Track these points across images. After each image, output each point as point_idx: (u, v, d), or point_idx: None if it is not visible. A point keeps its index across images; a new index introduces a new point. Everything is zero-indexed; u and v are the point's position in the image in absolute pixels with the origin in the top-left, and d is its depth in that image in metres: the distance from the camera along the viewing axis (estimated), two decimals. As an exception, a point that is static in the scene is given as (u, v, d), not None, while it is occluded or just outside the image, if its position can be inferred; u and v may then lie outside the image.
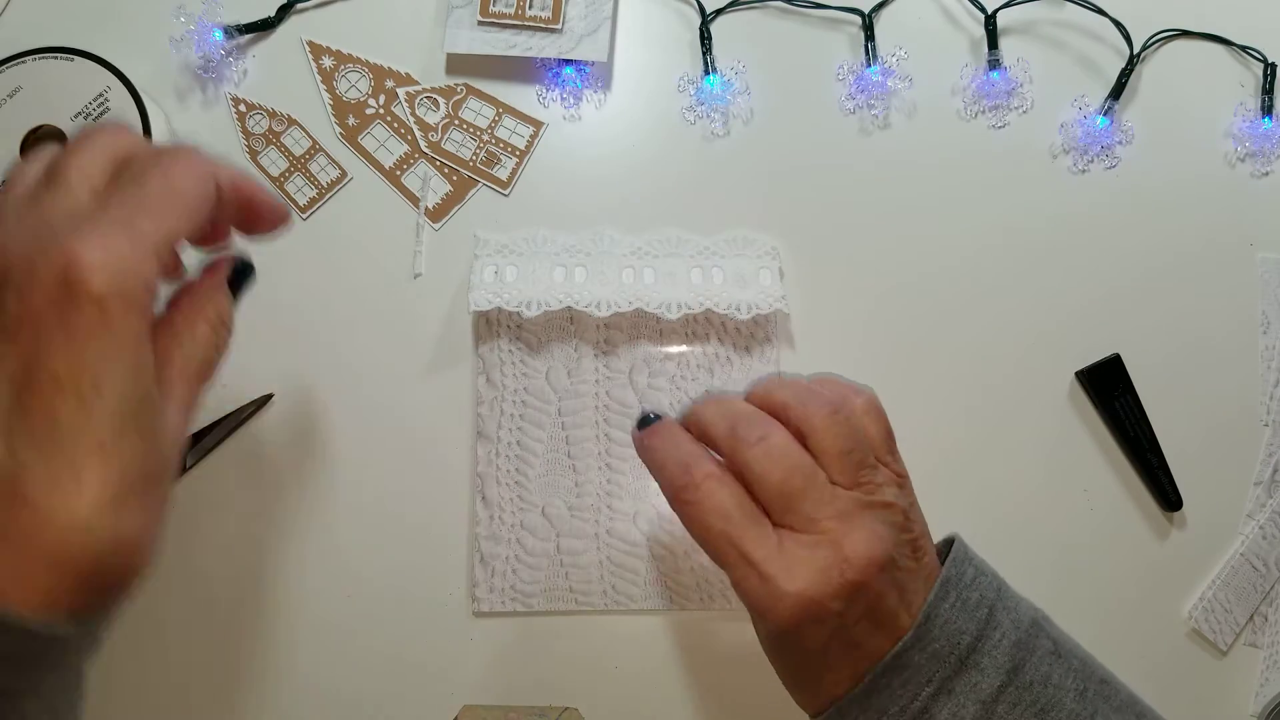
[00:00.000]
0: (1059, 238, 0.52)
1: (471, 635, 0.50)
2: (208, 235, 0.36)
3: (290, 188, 0.51)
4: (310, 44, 0.52)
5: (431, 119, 0.52)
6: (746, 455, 0.35)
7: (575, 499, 0.50)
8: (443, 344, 0.51)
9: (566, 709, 0.48)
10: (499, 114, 0.52)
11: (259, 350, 0.50)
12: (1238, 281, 0.52)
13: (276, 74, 0.52)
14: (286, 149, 0.51)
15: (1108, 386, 0.50)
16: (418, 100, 0.52)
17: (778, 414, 0.37)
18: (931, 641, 0.35)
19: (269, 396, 0.50)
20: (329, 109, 0.52)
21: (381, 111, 0.52)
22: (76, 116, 0.48)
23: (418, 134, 0.51)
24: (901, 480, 0.38)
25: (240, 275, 0.36)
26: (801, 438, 0.36)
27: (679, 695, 0.49)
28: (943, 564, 0.37)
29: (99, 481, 0.28)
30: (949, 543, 0.39)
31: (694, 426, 0.38)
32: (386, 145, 0.52)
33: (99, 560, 0.28)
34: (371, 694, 0.50)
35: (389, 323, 0.51)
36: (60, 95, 0.48)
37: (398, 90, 0.52)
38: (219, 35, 0.51)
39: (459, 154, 0.51)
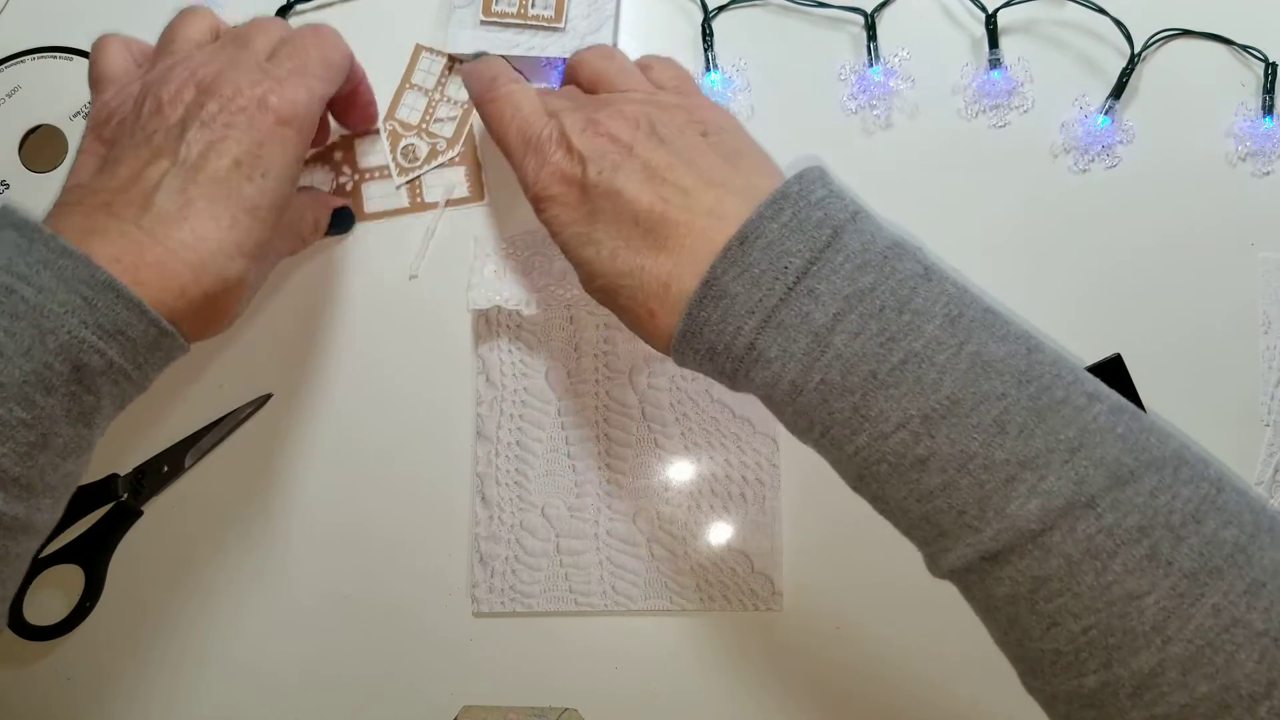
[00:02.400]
0: (1059, 237, 0.52)
1: (471, 635, 0.50)
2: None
3: None
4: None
5: (411, 118, 0.52)
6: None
7: (575, 499, 0.50)
8: (442, 344, 0.51)
9: (566, 709, 0.48)
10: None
11: (258, 350, 0.50)
12: (1238, 281, 0.52)
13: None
14: None
15: (1108, 386, 0.50)
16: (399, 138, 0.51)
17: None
18: (750, 266, 0.33)
19: (268, 396, 0.50)
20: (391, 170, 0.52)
21: (358, 177, 0.51)
22: (75, 116, 0.48)
23: (398, 165, 0.51)
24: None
25: (343, 218, 0.50)
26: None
27: (679, 695, 0.49)
28: None
29: (244, 230, 0.38)
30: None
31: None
32: (383, 195, 0.52)
33: (218, 284, 0.37)
34: (371, 694, 0.50)
35: (388, 323, 0.51)
36: (59, 94, 0.48)
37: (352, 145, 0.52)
38: (218, 35, 0.51)
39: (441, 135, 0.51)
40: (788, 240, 0.33)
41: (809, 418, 0.34)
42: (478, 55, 0.46)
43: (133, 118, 0.39)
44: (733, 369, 0.35)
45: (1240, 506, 0.32)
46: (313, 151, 0.51)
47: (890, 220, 0.51)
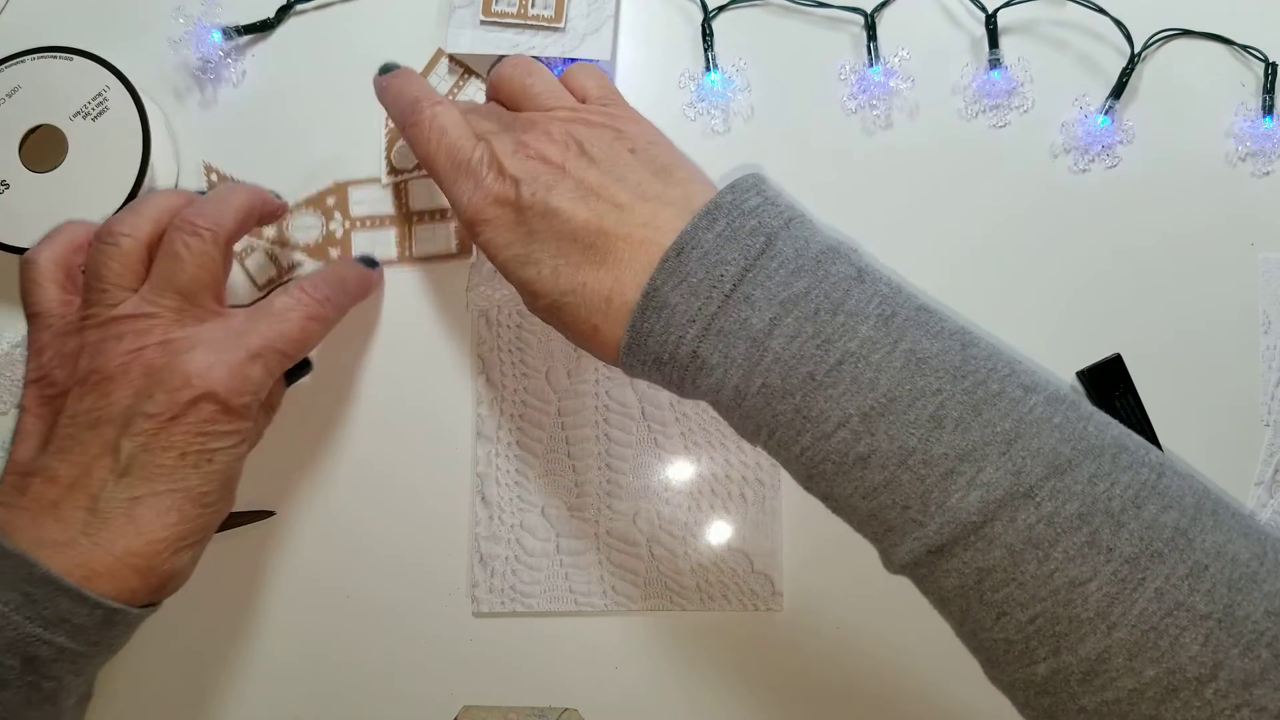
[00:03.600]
0: (1059, 237, 0.52)
1: (471, 636, 0.50)
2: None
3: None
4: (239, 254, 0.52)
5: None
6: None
7: (575, 499, 0.50)
8: (442, 344, 0.51)
9: (566, 709, 0.48)
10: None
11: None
12: (1238, 281, 0.52)
13: (276, 76, 0.52)
14: None
15: (1108, 386, 0.50)
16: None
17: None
18: (688, 275, 0.33)
19: (270, 513, 0.50)
20: (311, 260, 0.51)
21: (348, 226, 0.51)
22: (75, 116, 0.48)
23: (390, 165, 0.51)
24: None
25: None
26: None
27: (679, 695, 0.49)
28: None
29: (191, 521, 0.39)
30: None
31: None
32: (377, 241, 0.51)
33: (167, 579, 0.39)
34: (372, 694, 0.50)
35: (388, 322, 0.51)
36: (59, 95, 0.48)
37: (348, 190, 0.51)
38: (217, 36, 0.51)
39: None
40: (723, 249, 0.34)
41: (755, 421, 0.34)
42: (388, 68, 0.45)
43: (76, 389, 0.39)
44: (679, 377, 0.35)
45: (1182, 490, 0.32)
46: (305, 196, 0.51)
47: (882, 213, 0.51)
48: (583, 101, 0.42)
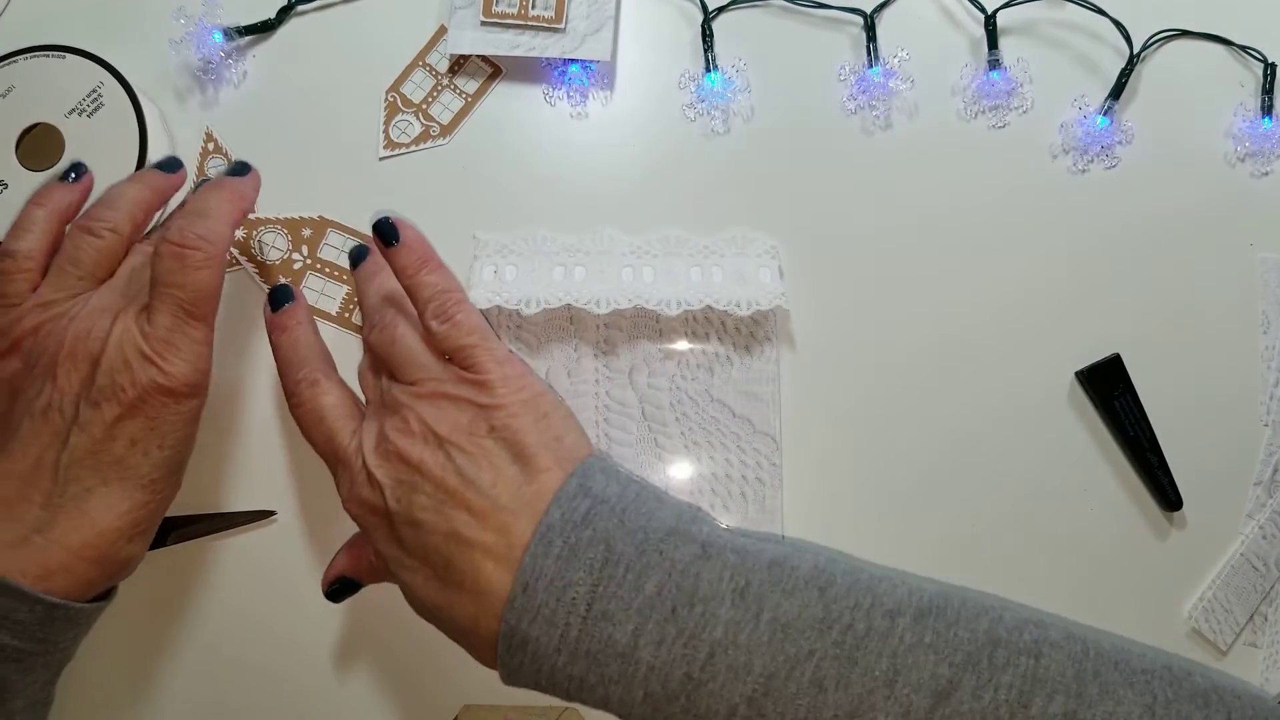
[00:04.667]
0: (1059, 238, 0.52)
1: (471, 635, 0.49)
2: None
3: None
4: None
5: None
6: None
7: (575, 499, 0.50)
8: (442, 344, 0.51)
9: (566, 709, 0.48)
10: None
11: (257, 349, 0.50)
12: (1238, 281, 0.52)
13: (277, 77, 0.52)
14: None
15: (1108, 386, 0.50)
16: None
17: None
18: (540, 609, 0.33)
19: (271, 513, 0.50)
20: (256, 278, 0.50)
21: (309, 263, 0.50)
22: (71, 113, 0.48)
23: (386, 139, 0.51)
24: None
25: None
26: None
27: (679, 695, 0.49)
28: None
29: (142, 508, 0.39)
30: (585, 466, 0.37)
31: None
32: (325, 292, 0.51)
33: (121, 567, 0.39)
34: (372, 694, 0.49)
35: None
36: (54, 93, 0.48)
37: (325, 229, 0.51)
38: (218, 37, 0.51)
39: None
40: (566, 571, 0.33)
41: None
42: (279, 298, 0.43)
43: (25, 375, 0.39)
44: (566, 695, 0.35)
45: (1062, 664, 0.33)
46: (285, 216, 0.50)
47: (881, 213, 0.51)
48: (446, 354, 0.40)
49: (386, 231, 0.41)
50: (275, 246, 0.50)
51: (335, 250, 0.51)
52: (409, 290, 0.41)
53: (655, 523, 0.35)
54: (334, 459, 0.40)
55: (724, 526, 0.37)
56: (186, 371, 0.39)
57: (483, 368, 0.38)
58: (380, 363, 0.41)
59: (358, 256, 0.45)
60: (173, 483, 0.41)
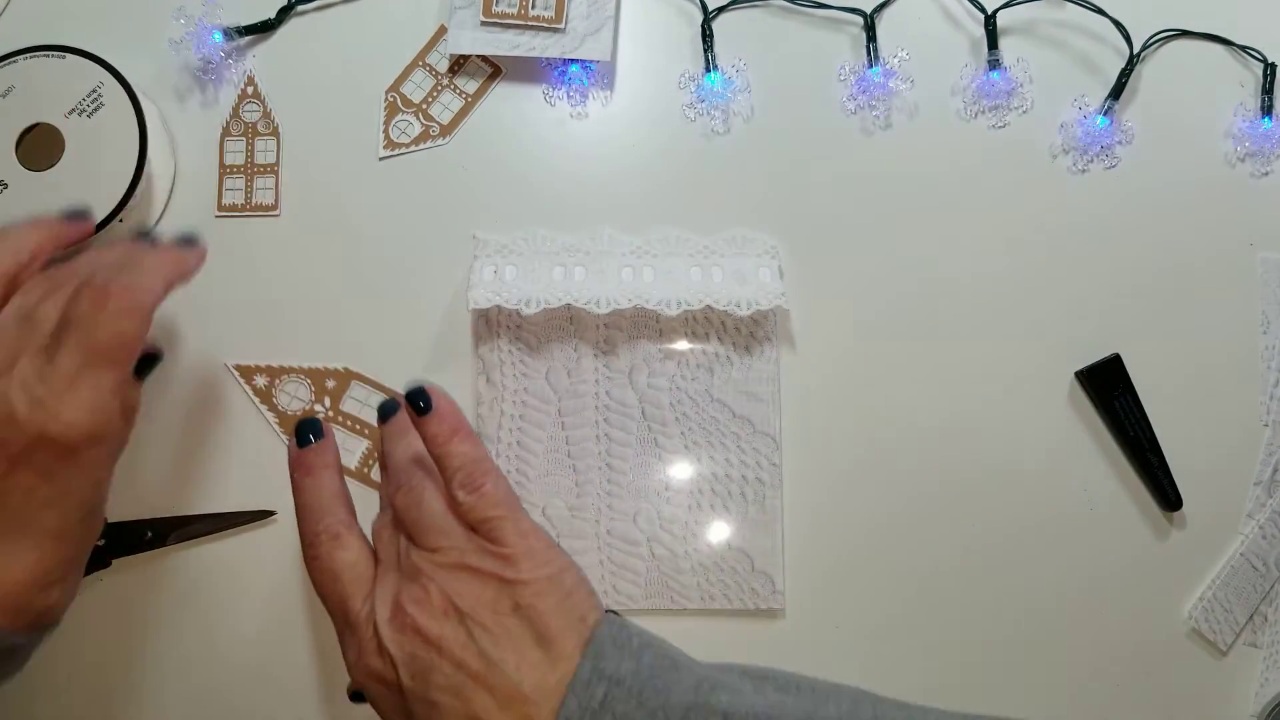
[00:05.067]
0: (1059, 238, 0.52)
1: (471, 635, 0.49)
2: None
3: (259, 183, 0.52)
4: (238, 368, 0.50)
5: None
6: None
7: (575, 499, 0.50)
8: (442, 344, 0.51)
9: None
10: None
11: (257, 350, 0.50)
12: (1238, 281, 0.52)
13: (277, 77, 0.52)
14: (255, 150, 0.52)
15: (1108, 386, 0.50)
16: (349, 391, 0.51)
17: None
18: None
19: (271, 513, 0.50)
20: (275, 426, 0.50)
21: (330, 415, 0.50)
22: (70, 113, 0.48)
23: (387, 139, 0.51)
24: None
25: (148, 363, 0.41)
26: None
27: (679, 695, 0.49)
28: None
29: (52, 558, 0.37)
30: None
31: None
32: (345, 445, 0.49)
33: (37, 616, 0.37)
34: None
35: (388, 323, 0.51)
36: (54, 93, 0.48)
37: (349, 381, 0.50)
38: (218, 37, 0.51)
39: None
40: None
41: None
42: (305, 433, 0.40)
43: None
44: None
45: None
46: (309, 365, 0.49)
47: (881, 213, 0.51)
48: (472, 525, 0.38)
49: (419, 399, 0.39)
50: (297, 397, 0.50)
51: (358, 403, 0.50)
52: (438, 458, 0.39)
53: (674, 698, 0.34)
54: (344, 622, 0.38)
55: (745, 673, 0.36)
56: (82, 419, 0.35)
57: (507, 541, 0.37)
58: (401, 523, 0.40)
59: (387, 411, 0.43)
60: (87, 527, 0.38)
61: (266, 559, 0.50)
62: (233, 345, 0.51)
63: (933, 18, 0.53)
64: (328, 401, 0.50)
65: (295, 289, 0.51)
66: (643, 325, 0.50)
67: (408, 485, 0.39)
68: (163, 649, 0.49)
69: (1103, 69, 0.52)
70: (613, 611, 0.39)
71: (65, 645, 0.49)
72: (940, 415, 0.50)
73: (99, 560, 0.49)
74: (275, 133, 0.52)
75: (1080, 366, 0.50)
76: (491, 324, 0.50)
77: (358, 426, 0.50)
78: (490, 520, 0.37)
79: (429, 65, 0.52)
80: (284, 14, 0.52)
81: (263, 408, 0.49)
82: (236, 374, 0.50)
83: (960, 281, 0.51)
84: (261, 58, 0.52)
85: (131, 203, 0.47)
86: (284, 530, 0.50)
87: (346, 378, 0.50)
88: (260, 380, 0.49)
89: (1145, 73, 0.53)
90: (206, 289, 0.51)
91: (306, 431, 0.40)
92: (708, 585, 0.49)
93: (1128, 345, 0.51)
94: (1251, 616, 0.50)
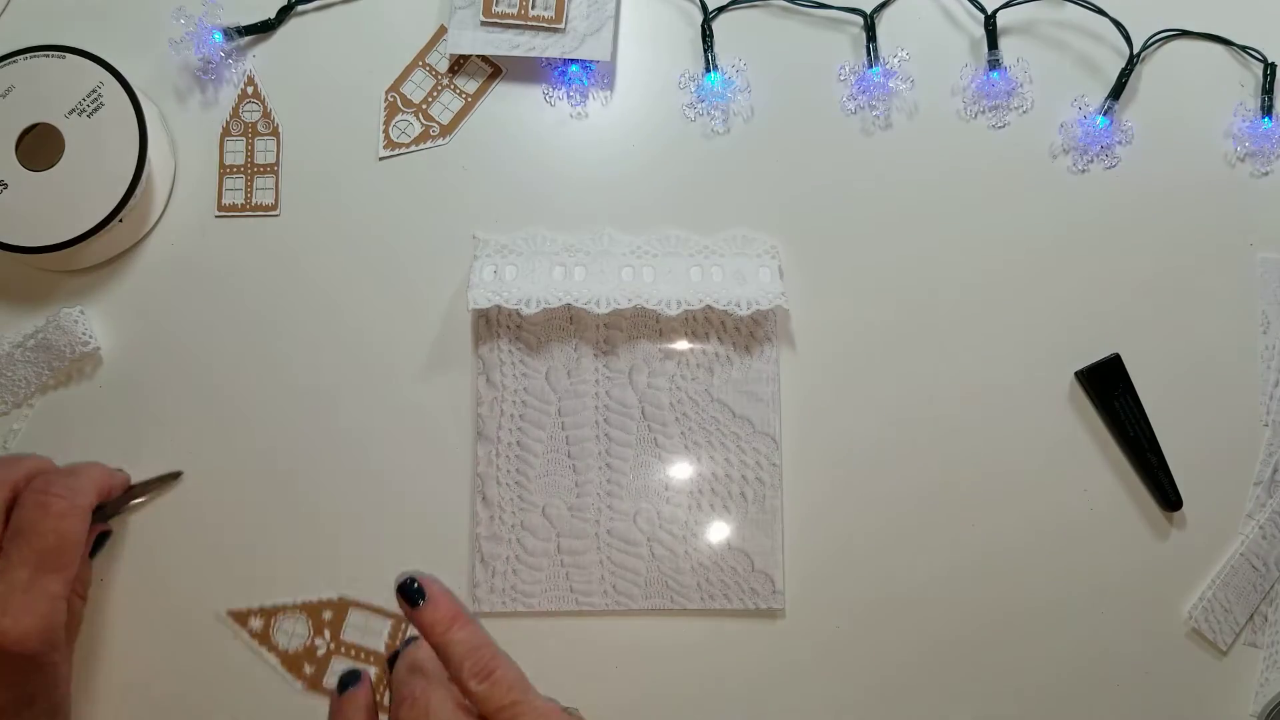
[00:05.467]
0: (1059, 237, 0.52)
1: (471, 635, 0.49)
2: None
3: (259, 183, 0.52)
4: (231, 614, 0.49)
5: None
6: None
7: (575, 499, 0.50)
8: (442, 344, 0.51)
9: (566, 708, 0.48)
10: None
11: (259, 349, 0.50)
12: (1238, 281, 0.52)
13: (275, 78, 0.52)
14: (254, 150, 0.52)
15: (1108, 386, 0.50)
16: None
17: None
18: None
19: (178, 474, 0.50)
20: (280, 670, 0.49)
21: (332, 648, 0.49)
22: (70, 113, 0.48)
23: (387, 139, 0.51)
24: None
25: (99, 542, 0.47)
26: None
27: (679, 695, 0.49)
28: None
29: None
30: None
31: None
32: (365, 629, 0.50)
33: None
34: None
35: (388, 323, 0.51)
36: (54, 93, 0.48)
37: (345, 609, 0.49)
38: (218, 37, 0.51)
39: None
40: None
41: None
42: (347, 679, 0.40)
43: None
44: None
45: None
46: (304, 600, 0.49)
47: (881, 213, 0.51)
48: (486, 715, 0.37)
49: (411, 592, 0.39)
50: (295, 634, 0.49)
51: (358, 630, 0.49)
52: (439, 649, 0.38)
53: None
54: None
55: None
56: (30, 628, 0.38)
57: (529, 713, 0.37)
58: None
59: (346, 684, 0.40)
60: (56, 703, 0.41)
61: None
62: (222, 589, 0.50)
63: (933, 18, 0.53)
64: (327, 634, 0.49)
65: (300, 293, 0.51)
66: (643, 325, 0.50)
67: (410, 697, 0.38)
68: (166, 650, 0.49)
69: (1103, 69, 0.52)
70: None
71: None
72: (940, 415, 0.50)
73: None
74: (275, 133, 0.52)
75: (1080, 366, 0.50)
76: (491, 324, 0.50)
77: (362, 655, 0.49)
78: (506, 709, 0.37)
79: (429, 65, 0.52)
80: (284, 14, 0.52)
81: (262, 649, 0.49)
82: (231, 620, 0.49)
83: (960, 281, 0.51)
84: (261, 58, 0.52)
85: (131, 203, 0.48)
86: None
87: (343, 607, 0.49)
88: (255, 621, 0.49)
89: (1145, 73, 0.53)
90: (208, 292, 0.51)
91: (345, 680, 0.40)
92: (707, 585, 0.49)
93: (1127, 345, 0.51)
94: (1251, 616, 0.50)
